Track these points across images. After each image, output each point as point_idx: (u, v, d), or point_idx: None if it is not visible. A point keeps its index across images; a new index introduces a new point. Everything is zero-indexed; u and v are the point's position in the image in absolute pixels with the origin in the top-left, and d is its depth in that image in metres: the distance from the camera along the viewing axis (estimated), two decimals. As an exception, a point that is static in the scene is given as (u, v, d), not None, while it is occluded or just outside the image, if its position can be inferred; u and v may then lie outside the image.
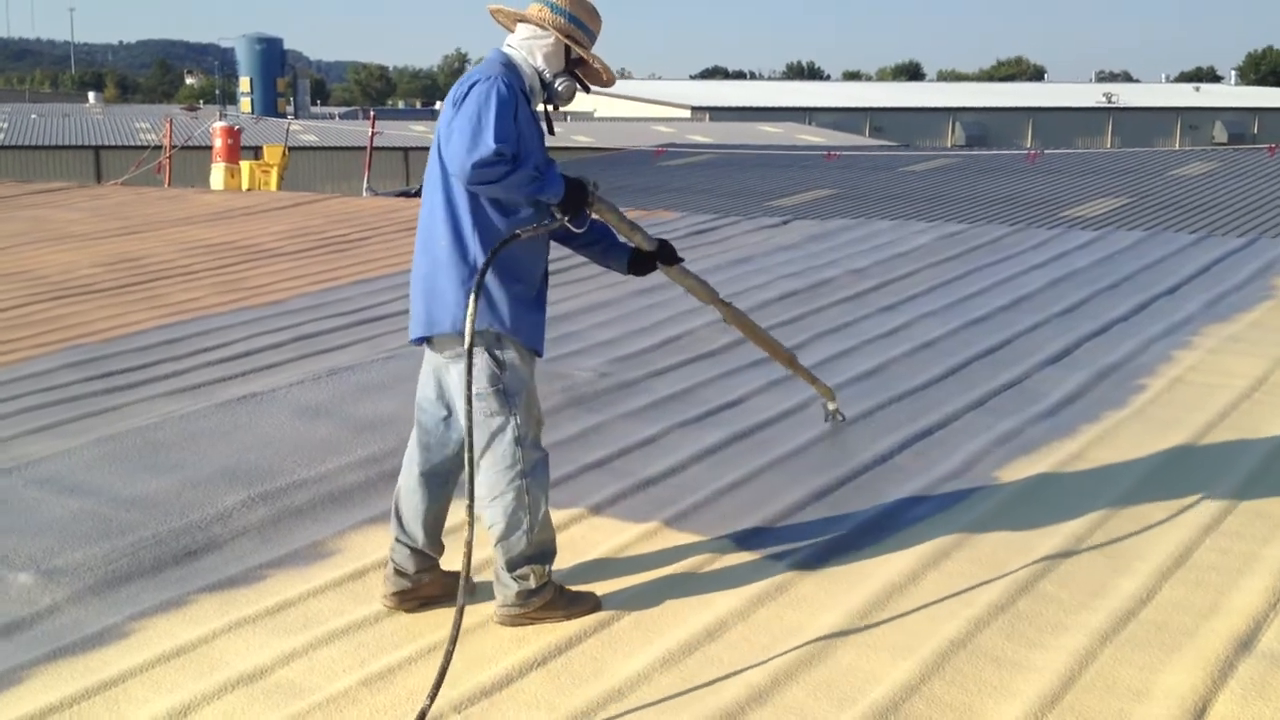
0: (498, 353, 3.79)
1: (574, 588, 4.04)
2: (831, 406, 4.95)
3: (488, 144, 3.61)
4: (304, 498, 5.03)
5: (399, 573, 4.02)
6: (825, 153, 26.47)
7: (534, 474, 3.83)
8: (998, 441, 5.55)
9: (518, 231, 3.75)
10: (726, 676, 3.57)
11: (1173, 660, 3.59)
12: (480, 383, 3.76)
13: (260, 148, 24.68)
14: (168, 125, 26.72)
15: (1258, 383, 6.39)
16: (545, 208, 3.84)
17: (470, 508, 3.64)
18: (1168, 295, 8.41)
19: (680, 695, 3.48)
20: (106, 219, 12.58)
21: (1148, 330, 7.46)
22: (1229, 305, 8.13)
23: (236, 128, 24.60)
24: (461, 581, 3.55)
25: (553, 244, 4.05)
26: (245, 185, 22.01)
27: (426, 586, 4.05)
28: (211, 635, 3.90)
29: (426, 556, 4.03)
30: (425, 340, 3.93)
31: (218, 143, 23.25)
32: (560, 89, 3.91)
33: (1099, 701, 3.39)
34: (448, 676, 3.41)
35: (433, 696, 3.35)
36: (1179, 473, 5.16)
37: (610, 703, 3.46)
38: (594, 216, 4.02)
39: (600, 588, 4.12)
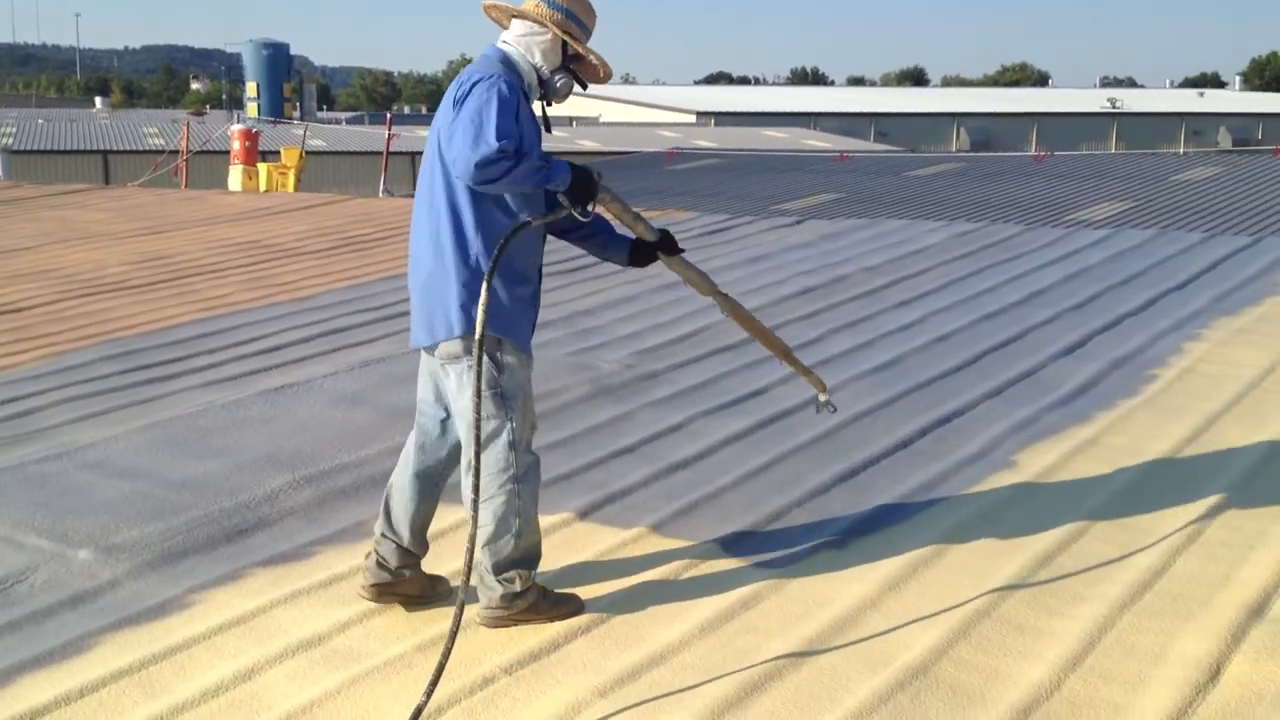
0: (497, 355, 3.77)
1: (559, 590, 4.04)
2: (823, 399, 4.91)
3: (489, 142, 3.56)
4: (346, 480, 5.23)
5: (380, 565, 4.03)
6: (836, 155, 26.62)
7: (526, 478, 3.84)
8: (1015, 428, 5.74)
9: (527, 219, 3.72)
10: (763, 641, 3.76)
11: (1188, 627, 3.78)
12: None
13: (274, 151, 24.88)
14: (184, 129, 26.96)
15: (1265, 373, 6.58)
16: (552, 202, 3.84)
17: (475, 502, 3.68)
18: (1177, 290, 8.61)
19: (719, 658, 3.67)
20: (131, 219, 12.78)
21: (1158, 324, 7.65)
22: (1236, 300, 8.32)
23: (255, 130, 24.80)
24: (464, 578, 3.57)
25: (550, 238, 4.02)
26: (263, 187, 22.21)
27: (405, 584, 4.05)
28: (269, 605, 4.10)
29: (410, 554, 4.06)
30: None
31: (236, 145, 23.46)
32: (558, 86, 3.88)
33: (1118, 664, 3.58)
34: (495, 641, 3.56)
35: (429, 693, 3.39)
36: (1190, 457, 5.35)
37: (652, 666, 3.64)
38: (599, 210, 3.97)
39: (636, 562, 4.31)
